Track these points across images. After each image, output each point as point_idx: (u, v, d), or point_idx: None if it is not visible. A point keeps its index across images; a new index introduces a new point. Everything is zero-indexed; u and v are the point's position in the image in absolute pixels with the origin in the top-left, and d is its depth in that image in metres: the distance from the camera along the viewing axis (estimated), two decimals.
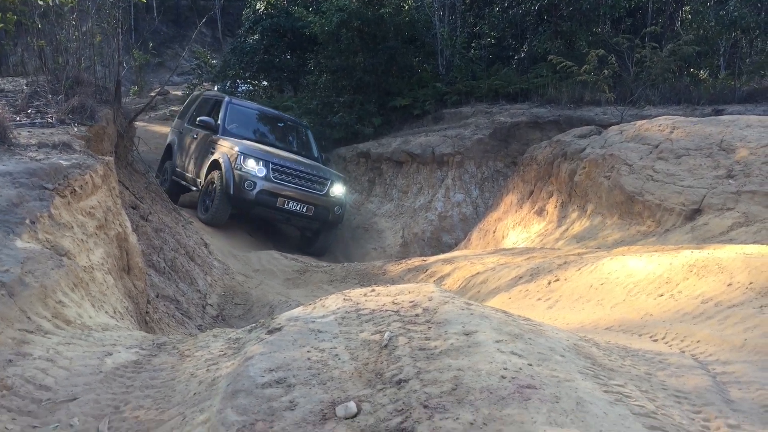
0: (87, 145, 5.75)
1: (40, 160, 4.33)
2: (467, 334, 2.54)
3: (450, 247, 11.95)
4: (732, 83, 12.34)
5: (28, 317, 3.06)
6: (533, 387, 2.12)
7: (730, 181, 6.72)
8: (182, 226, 9.32)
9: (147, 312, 5.18)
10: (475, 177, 12.63)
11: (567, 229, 8.22)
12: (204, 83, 21.32)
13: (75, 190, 4.21)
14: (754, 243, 5.79)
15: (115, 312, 4.02)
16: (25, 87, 6.97)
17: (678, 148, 7.50)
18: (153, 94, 18.32)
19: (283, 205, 10.54)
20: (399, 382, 2.31)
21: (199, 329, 6.58)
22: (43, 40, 7.45)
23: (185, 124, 12.71)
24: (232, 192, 10.31)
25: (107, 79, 8.15)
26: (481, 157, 12.63)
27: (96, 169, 4.63)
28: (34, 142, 4.98)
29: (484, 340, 2.47)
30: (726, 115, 10.14)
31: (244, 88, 18.49)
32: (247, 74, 18.46)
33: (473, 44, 16.01)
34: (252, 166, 10.43)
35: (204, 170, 11.10)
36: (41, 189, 3.94)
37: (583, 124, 11.33)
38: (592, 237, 7.57)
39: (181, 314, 6.60)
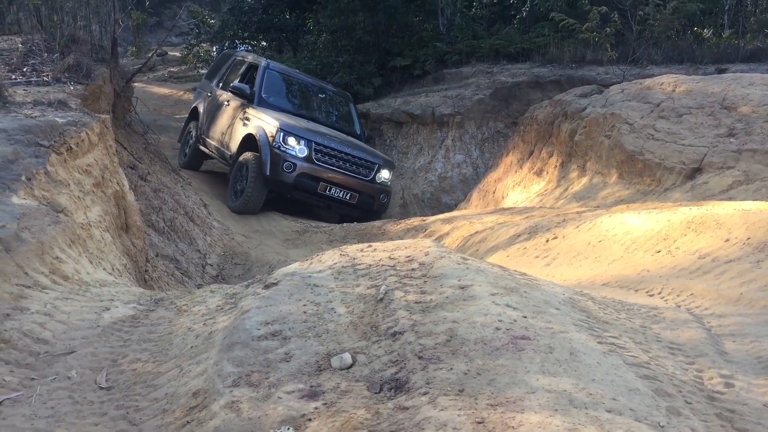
0: (83, 104, 5.71)
1: (36, 117, 4.30)
2: (463, 288, 2.54)
3: (450, 208, 11.94)
4: (736, 42, 12.18)
5: (26, 272, 3.07)
6: (527, 338, 2.13)
7: (731, 139, 6.68)
8: (181, 186, 9.30)
9: (146, 270, 5.20)
10: (475, 138, 12.56)
11: (567, 188, 8.21)
12: (202, 44, 21.11)
13: (71, 147, 4.19)
14: (753, 201, 5.78)
15: (113, 269, 4.03)
16: (20, 45, 6.89)
17: (679, 107, 7.44)
18: (150, 54, 18.12)
19: (325, 191, 9.44)
20: (394, 334, 2.32)
21: (198, 288, 6.61)
22: None
23: (215, 87, 11.48)
24: (267, 173, 9.18)
25: (103, 38, 8.07)
26: (482, 118, 12.53)
27: (92, 126, 4.59)
28: (29, 100, 4.95)
29: (480, 293, 2.48)
30: (729, 74, 10.05)
31: (242, 48, 18.27)
32: (245, 34, 18.21)
33: (474, 3, 15.78)
34: (292, 144, 9.29)
35: (235, 143, 10.02)
36: (37, 146, 3.92)
37: (584, 84, 11.22)
38: (592, 196, 7.56)
39: (181, 273, 6.62)
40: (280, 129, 9.25)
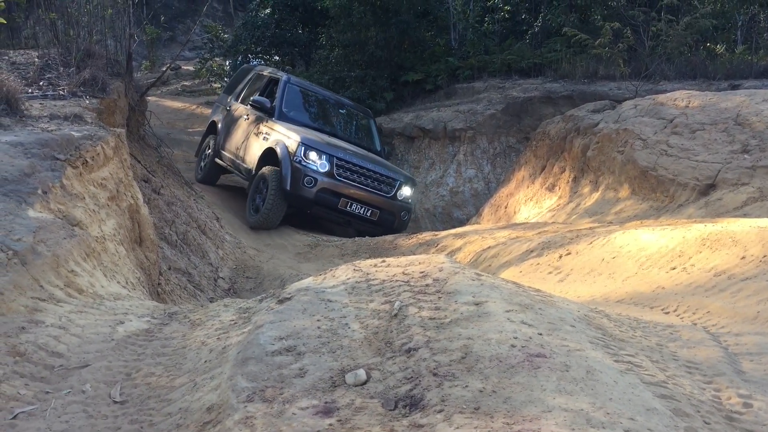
0: (98, 118, 5.75)
1: (52, 131, 4.34)
2: (477, 304, 2.53)
3: (461, 223, 11.93)
4: (749, 58, 12.15)
5: (41, 286, 3.08)
6: (543, 356, 2.12)
7: (746, 156, 6.64)
8: (194, 200, 9.34)
9: (159, 283, 5.21)
10: (487, 152, 12.57)
11: (579, 204, 8.18)
12: (215, 58, 21.27)
13: (86, 161, 4.22)
14: None
15: (127, 282, 4.05)
16: (36, 59, 6.96)
17: (693, 123, 7.42)
18: (164, 68, 18.25)
19: (346, 207, 9.26)
20: (408, 350, 2.32)
21: (210, 302, 6.62)
22: (55, 13, 7.43)
23: (233, 101, 11.40)
24: (288, 188, 9.01)
25: (118, 52, 8.13)
26: (494, 133, 12.55)
27: (107, 140, 4.63)
28: (45, 114, 4.99)
29: (494, 309, 2.47)
30: (743, 90, 10.01)
31: (255, 63, 18.39)
32: (258, 49, 18.33)
33: (486, 18, 15.84)
34: (314, 159, 9.12)
35: (254, 157, 9.89)
36: (53, 159, 3.95)
37: (597, 99, 11.22)
38: (605, 212, 7.53)
39: (193, 287, 6.64)
40: (302, 143, 9.12)
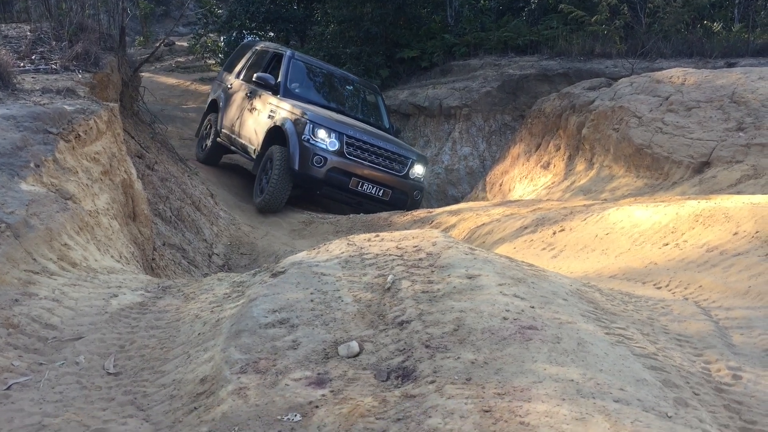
0: (91, 92, 5.72)
1: (45, 104, 4.31)
2: (470, 278, 2.54)
3: (456, 200, 11.92)
4: (746, 36, 12.10)
5: (34, 259, 3.08)
6: (535, 328, 2.13)
7: (740, 133, 6.64)
8: (188, 176, 9.31)
9: (153, 259, 5.21)
10: (482, 130, 12.54)
11: (574, 181, 8.18)
12: (209, 34, 21.09)
13: (79, 135, 4.20)
14: (762, 195, 5.75)
15: (120, 256, 4.05)
16: (28, 33, 6.90)
17: (688, 101, 7.41)
18: (158, 44, 18.11)
19: (357, 187, 8.95)
20: (401, 323, 2.33)
21: (205, 277, 6.63)
22: None
23: (235, 79, 11.03)
24: (297, 167, 8.68)
25: (111, 26, 8.07)
26: (489, 110, 12.51)
27: (100, 114, 4.60)
28: (38, 88, 4.96)
29: (487, 283, 2.47)
30: (739, 67, 9.99)
31: (249, 39, 18.26)
32: (253, 25, 18.17)
33: None
34: (323, 137, 8.78)
35: (259, 136, 9.59)
36: (45, 133, 3.92)
37: (593, 77, 11.17)
38: (599, 189, 7.54)
39: (188, 262, 6.64)
40: (310, 121, 8.80)
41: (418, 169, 9.54)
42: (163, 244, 6.34)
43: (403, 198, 9.30)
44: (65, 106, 4.39)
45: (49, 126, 4.00)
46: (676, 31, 11.52)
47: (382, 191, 9.11)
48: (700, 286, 3.08)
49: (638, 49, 11.47)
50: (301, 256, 3.11)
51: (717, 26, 13.01)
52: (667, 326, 2.52)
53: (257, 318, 2.46)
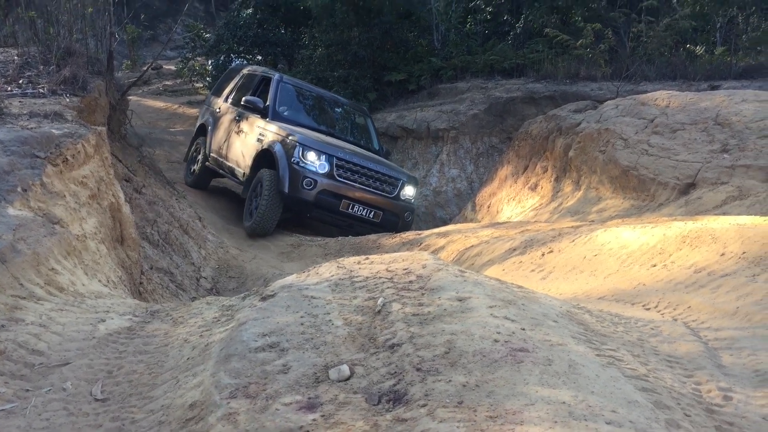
0: (79, 116, 5.70)
1: (32, 128, 4.29)
2: (460, 300, 2.54)
3: (444, 222, 11.95)
4: (728, 59, 12.29)
5: (21, 284, 3.05)
6: (526, 350, 2.13)
7: (725, 155, 6.72)
8: (176, 199, 9.28)
9: (141, 282, 5.18)
10: (470, 152, 12.61)
11: (561, 203, 8.23)
12: (197, 58, 21.16)
13: (67, 159, 4.18)
14: (748, 216, 5.81)
15: (108, 281, 4.02)
16: (16, 57, 6.89)
17: (673, 123, 7.49)
18: (145, 68, 18.13)
19: (347, 209, 8.88)
20: (392, 346, 2.32)
21: (193, 301, 6.59)
22: (34, 11, 7.37)
23: (223, 103, 11.01)
24: (286, 190, 8.64)
25: (99, 50, 8.07)
26: (476, 133, 12.59)
27: (88, 138, 4.59)
28: (25, 112, 4.94)
29: (477, 305, 2.47)
30: (722, 90, 10.12)
31: (237, 62, 18.33)
32: (240, 49, 18.26)
33: (469, 19, 15.90)
34: (312, 159, 8.74)
35: (248, 160, 9.58)
36: (33, 157, 3.91)
37: (578, 100, 11.30)
38: (587, 211, 7.58)
39: (175, 286, 6.60)
40: (299, 143, 8.76)
41: (409, 191, 9.50)
42: (151, 268, 6.30)
43: (394, 220, 9.26)
44: (53, 130, 4.38)
45: (37, 150, 3.98)
46: (660, 55, 11.68)
47: (373, 213, 9.06)
48: (689, 307, 3.09)
49: (623, 72, 11.62)
50: (291, 279, 3.10)
51: (700, 50, 13.21)
52: (657, 347, 2.52)
53: (247, 342, 2.45)
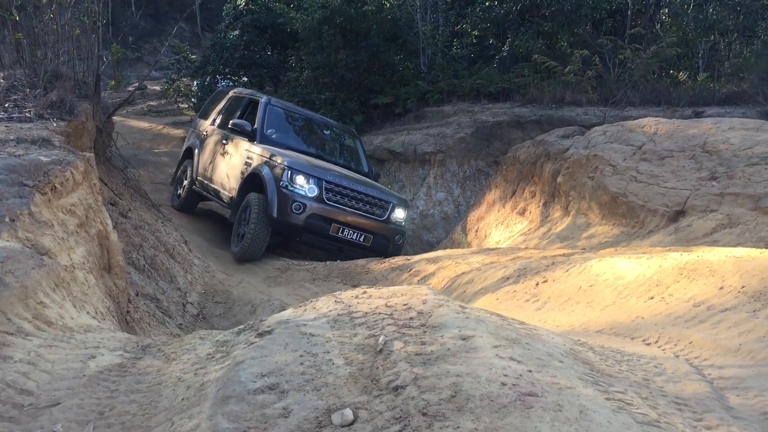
0: (66, 141, 5.63)
1: (20, 156, 4.21)
2: (464, 339, 2.49)
3: (431, 245, 11.92)
4: (711, 85, 12.44)
5: (8, 318, 2.96)
6: (535, 394, 2.08)
7: (713, 183, 6.75)
8: (162, 223, 9.18)
9: (128, 311, 5.08)
10: (456, 176, 12.62)
11: (550, 228, 8.23)
12: (183, 78, 21.11)
13: (55, 187, 4.10)
14: (737, 245, 5.82)
15: (96, 312, 3.92)
16: (2, 81, 6.81)
17: (661, 150, 7.53)
18: (131, 88, 18.04)
19: (337, 233, 8.82)
20: (396, 388, 2.26)
21: (179, 328, 6.48)
22: (21, 33, 7.29)
23: (209, 126, 10.94)
24: (275, 215, 8.57)
25: (86, 73, 8.00)
26: (463, 156, 12.62)
27: (76, 165, 4.51)
28: (12, 137, 4.86)
29: (482, 344, 2.43)
30: (706, 117, 10.23)
31: (223, 84, 18.30)
32: (226, 70, 18.24)
33: (455, 42, 16.01)
34: (301, 183, 8.69)
35: (236, 184, 9.52)
36: (21, 186, 3.83)
37: (564, 124, 11.36)
38: (576, 237, 7.58)
39: (162, 313, 6.50)
40: (288, 167, 8.68)
41: (399, 214, 9.44)
42: (137, 294, 6.20)
43: (385, 243, 9.20)
44: (41, 157, 4.30)
45: (25, 178, 3.90)
46: (646, 81, 11.80)
47: (363, 237, 8.99)
48: (690, 343, 3.06)
49: (608, 98, 11.73)
50: (288, 314, 3.03)
51: (683, 76, 13.37)
52: (663, 387, 2.48)
53: (245, 383, 2.38)
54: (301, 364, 2.48)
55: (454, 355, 2.38)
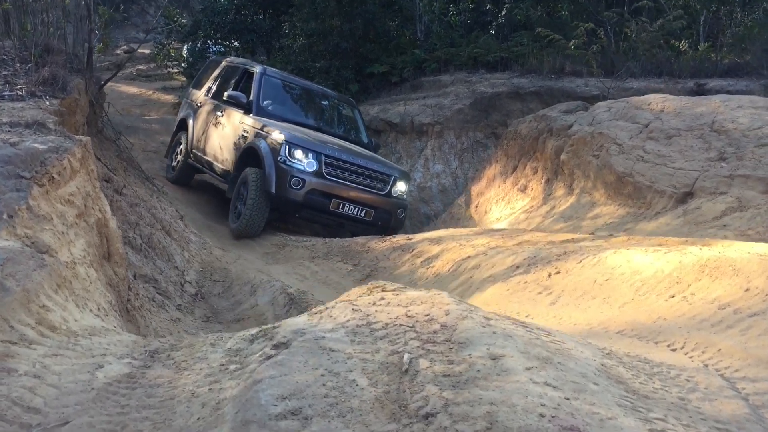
0: (60, 121, 5.44)
1: (15, 144, 4.03)
2: (494, 359, 2.38)
3: (428, 218, 11.82)
4: (712, 56, 12.25)
5: (11, 326, 2.83)
6: (576, 429, 1.97)
7: (723, 164, 6.63)
8: (157, 198, 9.01)
9: (128, 300, 4.95)
10: (454, 147, 12.46)
11: (554, 207, 8.11)
12: (172, 42, 20.67)
13: (53, 177, 3.93)
14: (748, 229, 5.73)
15: (99, 309, 3.79)
16: None
17: (668, 128, 7.39)
18: (119, 51, 17.63)
19: (337, 208, 8.64)
20: (426, 416, 2.15)
21: (179, 310, 6.38)
22: (8, 1, 7.02)
23: (203, 97, 10.70)
24: (273, 190, 8.38)
25: (77, 45, 7.75)
26: (461, 128, 12.45)
27: (73, 152, 4.34)
28: (5, 120, 4.68)
29: (513, 366, 2.32)
30: (708, 89, 10.08)
31: (215, 49, 17.92)
32: (218, 35, 17.84)
33: (451, 8, 15.69)
34: (300, 158, 8.48)
35: (232, 158, 9.32)
36: (18, 178, 3.66)
37: (564, 96, 11.20)
38: (580, 217, 7.47)
39: (160, 295, 6.39)
40: (286, 141, 8.48)
41: (401, 187, 9.28)
42: (135, 276, 6.07)
43: (387, 217, 9.04)
44: (37, 145, 4.12)
45: (22, 170, 3.73)
46: (652, 55, 11.58)
47: (364, 212, 8.82)
48: (719, 350, 2.97)
49: (610, 69, 11.52)
50: (303, 322, 2.91)
51: (684, 46, 13.16)
52: (700, 408, 2.39)
53: (266, 407, 2.26)
54: (324, 385, 2.36)
55: (485, 378, 2.27)
